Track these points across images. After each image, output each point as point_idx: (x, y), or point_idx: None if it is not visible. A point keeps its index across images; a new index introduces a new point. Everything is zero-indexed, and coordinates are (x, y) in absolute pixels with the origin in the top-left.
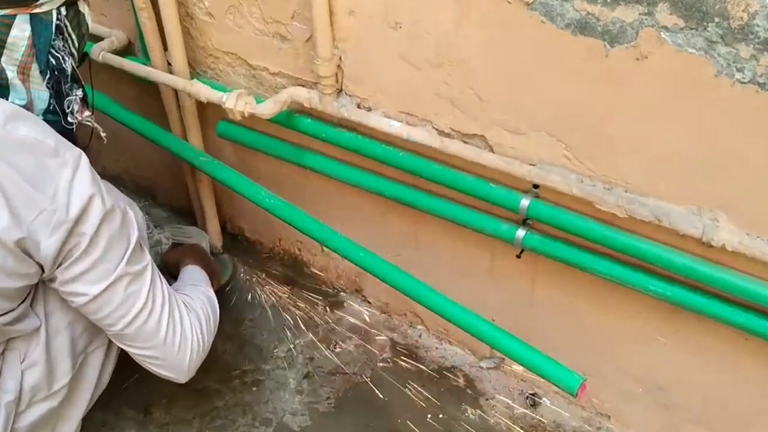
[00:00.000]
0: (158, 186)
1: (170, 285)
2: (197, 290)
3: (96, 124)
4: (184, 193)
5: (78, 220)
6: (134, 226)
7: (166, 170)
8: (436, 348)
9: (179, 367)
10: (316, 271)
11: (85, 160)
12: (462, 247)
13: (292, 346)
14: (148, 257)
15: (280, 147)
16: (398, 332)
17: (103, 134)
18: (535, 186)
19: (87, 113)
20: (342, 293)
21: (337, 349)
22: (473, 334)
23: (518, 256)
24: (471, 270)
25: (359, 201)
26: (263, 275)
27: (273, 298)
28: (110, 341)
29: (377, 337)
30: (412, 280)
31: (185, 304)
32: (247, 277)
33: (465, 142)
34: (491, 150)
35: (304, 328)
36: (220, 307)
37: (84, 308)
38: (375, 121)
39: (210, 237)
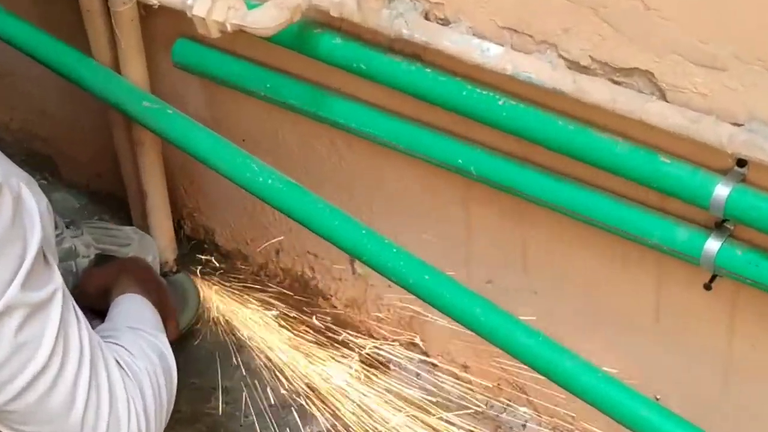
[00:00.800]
0: (65, 153)
1: (93, 328)
2: (140, 338)
3: None
4: (111, 166)
5: None
6: (35, 221)
7: (79, 126)
8: None
9: None
10: (339, 308)
11: None
12: (602, 268)
13: None
14: (57, 278)
15: (285, 88)
16: (485, 418)
17: None
18: (741, 163)
19: None
20: (386, 347)
21: None
22: (627, 425)
23: (707, 286)
24: (618, 310)
25: (422, 184)
26: (247, 312)
27: (263, 356)
28: None
29: (446, 425)
30: (517, 327)
31: (120, 364)
32: (218, 316)
33: (616, 82)
34: (662, 97)
35: (317, 412)
36: (176, 369)
37: None
38: (455, 42)
39: (158, 248)
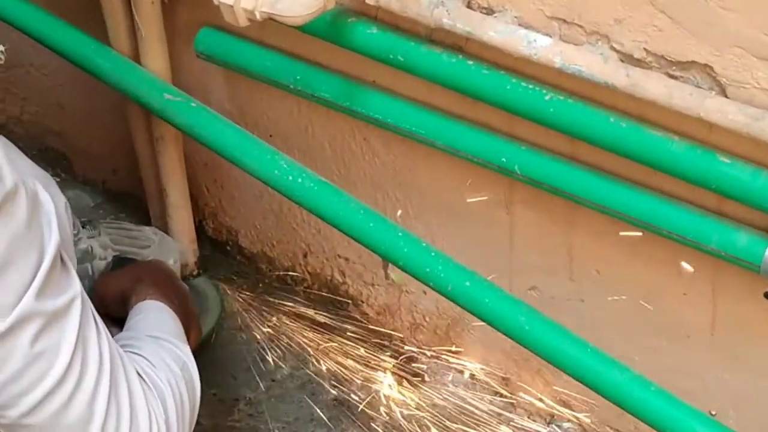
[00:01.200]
0: (79, 148)
1: (112, 336)
2: (162, 348)
3: None
4: (128, 162)
5: None
6: (52, 224)
7: (95, 119)
8: None
9: None
10: (371, 315)
11: None
12: (654, 276)
13: None
14: (76, 284)
15: (316, 81)
16: None
17: (1, 48)
18: None
19: None
20: (423, 356)
21: None
22: None
23: None
24: (671, 321)
25: (462, 184)
26: (273, 320)
27: (290, 363)
28: None
29: None
30: (564, 336)
31: (140, 376)
32: (243, 323)
33: (672, 76)
34: (722, 92)
35: (347, 425)
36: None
37: None
38: (500, 33)
39: (179, 249)
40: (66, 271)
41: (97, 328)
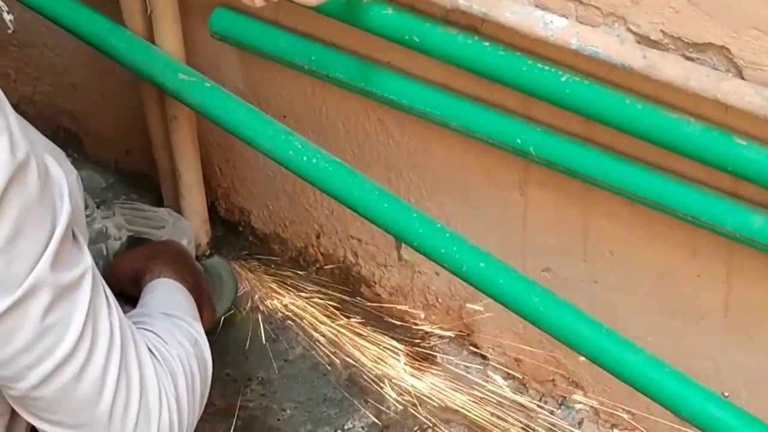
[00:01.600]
0: (91, 129)
1: (125, 314)
2: (174, 325)
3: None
4: (141, 142)
5: None
6: (64, 196)
7: (108, 99)
8: None
9: None
10: (384, 296)
11: None
12: (668, 258)
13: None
14: (87, 259)
15: (331, 61)
16: (539, 415)
17: (8, 17)
18: None
19: None
20: (435, 337)
21: None
22: (695, 422)
23: None
24: (685, 303)
25: (477, 165)
26: (285, 300)
27: (303, 343)
28: (13, 414)
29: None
30: (578, 317)
31: (153, 352)
32: (256, 304)
33: (689, 58)
34: (739, 74)
35: (360, 405)
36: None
37: None
38: (516, 14)
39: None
40: (77, 244)
41: (108, 303)
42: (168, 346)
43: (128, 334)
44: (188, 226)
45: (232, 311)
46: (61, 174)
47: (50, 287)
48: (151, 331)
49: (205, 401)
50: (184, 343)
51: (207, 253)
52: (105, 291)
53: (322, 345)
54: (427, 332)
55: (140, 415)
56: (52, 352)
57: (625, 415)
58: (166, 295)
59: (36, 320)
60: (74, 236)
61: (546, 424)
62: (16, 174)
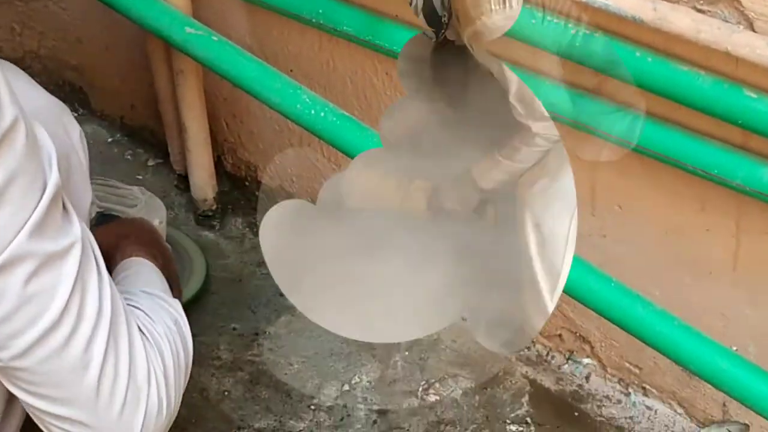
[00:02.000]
0: (97, 83)
1: None
2: (157, 305)
3: None
4: (147, 97)
5: None
6: (53, 165)
7: (114, 53)
8: (617, 400)
9: None
10: None
11: None
12: (677, 211)
13: (347, 386)
14: (77, 230)
15: (339, 14)
16: (546, 370)
17: None
18: None
19: None
20: None
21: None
22: (703, 375)
23: None
24: (693, 257)
25: None
26: None
27: None
28: (5, 410)
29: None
30: (587, 270)
31: (141, 330)
32: (262, 259)
33: (699, 10)
34: (750, 27)
35: (366, 359)
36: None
37: None
38: None
39: (198, 185)
40: (67, 215)
41: (100, 278)
42: (155, 324)
43: (120, 310)
44: (161, 206)
45: (206, 294)
46: (51, 143)
47: (34, 255)
48: (139, 308)
49: (187, 380)
50: (168, 322)
51: (213, 207)
52: (98, 266)
53: None
54: None
55: (129, 391)
56: (36, 321)
57: (633, 371)
58: (143, 273)
59: (18, 288)
60: (64, 207)
61: (553, 378)
62: (2, 138)
